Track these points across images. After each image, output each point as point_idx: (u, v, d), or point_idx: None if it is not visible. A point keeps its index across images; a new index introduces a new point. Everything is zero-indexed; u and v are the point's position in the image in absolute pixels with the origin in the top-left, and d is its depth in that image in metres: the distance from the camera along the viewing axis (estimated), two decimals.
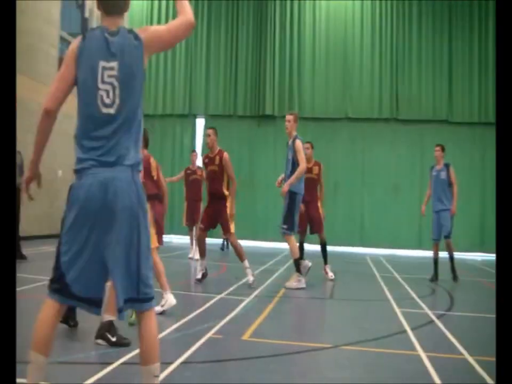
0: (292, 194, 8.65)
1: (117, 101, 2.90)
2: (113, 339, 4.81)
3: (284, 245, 17.99)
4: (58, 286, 2.92)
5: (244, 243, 18.67)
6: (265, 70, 19.08)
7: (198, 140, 19.85)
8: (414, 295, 8.40)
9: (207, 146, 8.92)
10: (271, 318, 6.43)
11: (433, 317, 6.72)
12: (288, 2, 19.14)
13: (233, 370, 4.37)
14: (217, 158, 8.68)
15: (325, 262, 9.90)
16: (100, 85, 2.90)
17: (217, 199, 8.71)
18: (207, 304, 6.99)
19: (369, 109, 18.57)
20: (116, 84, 2.90)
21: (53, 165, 15.01)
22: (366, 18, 18.87)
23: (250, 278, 8.43)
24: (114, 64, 2.90)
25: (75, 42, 2.98)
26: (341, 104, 18.70)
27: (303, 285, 8.48)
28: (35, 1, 15.53)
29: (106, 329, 4.92)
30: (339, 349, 5.18)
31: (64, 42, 17.99)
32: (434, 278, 10.14)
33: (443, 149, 10.42)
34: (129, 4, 3.15)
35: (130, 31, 2.97)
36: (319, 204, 10.05)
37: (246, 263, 8.52)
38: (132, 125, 2.94)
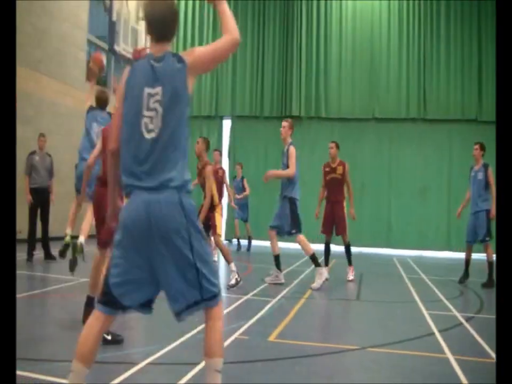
0: (291, 200, 8.88)
1: (160, 125, 2.94)
2: (108, 337, 4.85)
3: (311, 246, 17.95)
4: (107, 299, 3.01)
5: (269, 244, 18.70)
6: (291, 70, 19.05)
7: (224, 141, 19.90)
8: (442, 297, 8.30)
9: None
10: (297, 319, 6.42)
11: (462, 320, 6.63)
12: (315, 3, 19.08)
13: (259, 371, 4.36)
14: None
15: (349, 264, 9.86)
16: (145, 112, 2.96)
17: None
18: (234, 305, 7.01)
19: (396, 109, 18.41)
20: (159, 109, 2.94)
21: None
22: (393, 18, 18.71)
23: (232, 281, 8.34)
24: (158, 89, 2.95)
25: (124, 75, 3.12)
26: (368, 104, 18.57)
27: (326, 275, 8.74)
28: (64, 6, 15.77)
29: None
30: (365, 350, 5.14)
31: (92, 45, 18.21)
32: (463, 279, 9.96)
33: (482, 148, 10.01)
34: (176, 28, 3.20)
35: (175, 55, 3.01)
36: (344, 205, 10.00)
37: (233, 266, 8.43)
38: (175, 147, 2.96)
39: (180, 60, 2.98)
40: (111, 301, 2.99)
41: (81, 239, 7.21)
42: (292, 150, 9.02)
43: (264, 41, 19.43)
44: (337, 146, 10.20)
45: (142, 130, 2.95)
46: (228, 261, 8.51)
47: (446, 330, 6.02)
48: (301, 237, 8.85)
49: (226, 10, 3.13)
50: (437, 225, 18.01)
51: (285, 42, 19.24)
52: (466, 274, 9.97)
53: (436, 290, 8.99)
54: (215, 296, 3.04)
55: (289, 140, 9.23)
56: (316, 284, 8.57)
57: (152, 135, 2.94)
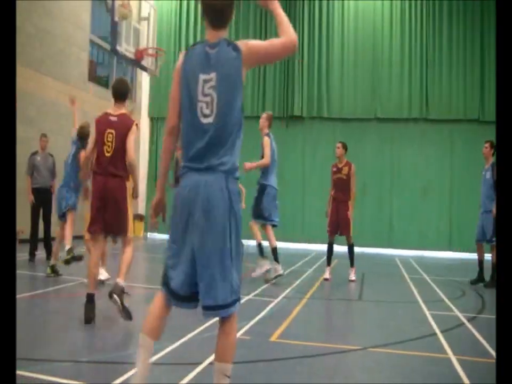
0: (261, 186, 9.18)
1: (215, 110, 3.01)
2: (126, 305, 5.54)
3: (312, 246, 17.97)
4: (163, 277, 3.17)
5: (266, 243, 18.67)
6: (293, 70, 19.04)
7: None
8: (443, 297, 8.30)
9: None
10: (299, 320, 6.42)
11: (464, 320, 6.62)
12: (317, 3, 19.07)
13: (261, 372, 4.37)
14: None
15: (351, 265, 9.89)
16: (200, 97, 3.03)
17: None
18: None
19: (398, 109, 18.40)
20: (214, 94, 3.01)
21: None
22: (395, 18, 18.69)
23: None
24: (213, 75, 3.01)
25: (179, 60, 3.15)
26: (370, 104, 18.56)
27: (268, 266, 9.13)
28: (66, 6, 15.79)
29: (121, 292, 5.62)
30: (367, 351, 5.15)
31: (94, 45, 18.24)
32: (475, 280, 9.80)
33: (492, 146, 9.82)
34: (233, 16, 3.26)
35: (230, 43, 3.07)
36: (349, 205, 10.02)
37: None
38: (229, 132, 3.07)
39: (235, 48, 3.04)
40: (165, 282, 3.15)
41: (67, 247, 8.34)
42: (266, 140, 9.25)
43: None
44: (344, 147, 10.18)
45: (198, 114, 3.03)
46: None
47: (448, 331, 6.01)
48: (252, 223, 9.21)
49: (281, 13, 3.35)
50: (439, 225, 18.01)
51: None
52: (480, 276, 9.77)
53: (438, 291, 8.99)
54: (233, 304, 3.17)
55: (266, 131, 9.47)
56: (255, 273, 9.05)
57: (208, 120, 3.02)
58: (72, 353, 4.67)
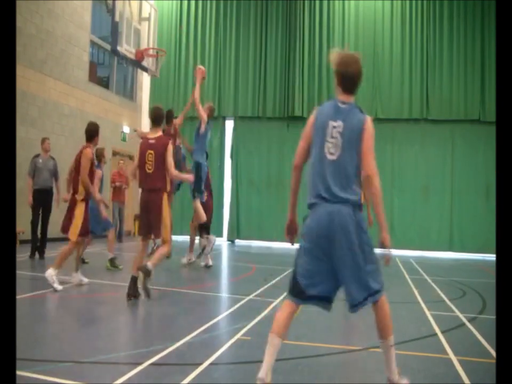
0: (196, 164, 10.24)
1: (339, 150, 3.70)
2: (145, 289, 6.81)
3: None
4: (296, 291, 3.79)
5: (273, 244, 18.74)
6: (294, 71, 19.04)
7: (227, 141, 19.90)
8: (444, 298, 8.30)
9: None
10: (300, 320, 6.40)
11: (465, 320, 6.62)
12: (318, 3, 19.08)
13: None
14: None
15: None
16: (329, 139, 3.73)
17: None
18: (236, 306, 7.01)
19: (399, 109, 18.40)
20: (339, 138, 3.71)
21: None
22: (395, 18, 18.70)
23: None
24: (340, 123, 3.73)
25: (313, 112, 3.89)
26: (371, 104, 18.53)
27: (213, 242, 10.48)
28: (67, 7, 15.80)
29: (147, 272, 6.75)
30: (368, 351, 5.15)
31: (95, 46, 18.24)
32: None
33: None
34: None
35: (358, 107, 3.86)
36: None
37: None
38: (351, 169, 3.71)
39: (361, 111, 3.84)
40: (299, 292, 3.77)
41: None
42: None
43: (267, 42, 19.41)
44: None
45: (325, 153, 3.72)
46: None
47: (449, 331, 6.01)
48: (198, 202, 10.09)
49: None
50: (440, 226, 18.00)
51: (287, 43, 19.23)
52: None
53: (439, 291, 8.99)
54: (378, 291, 3.80)
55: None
56: (206, 250, 10.43)
57: (333, 157, 3.70)
58: (72, 354, 4.67)
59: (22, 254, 10.92)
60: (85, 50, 16.95)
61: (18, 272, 7.71)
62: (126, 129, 18.99)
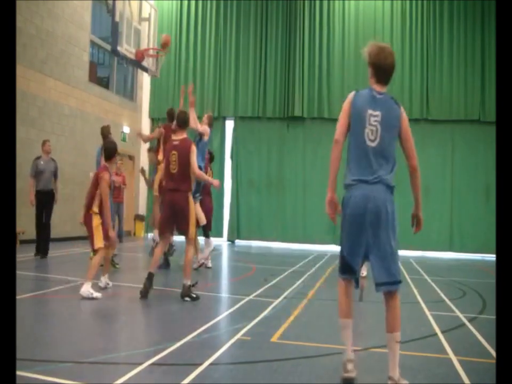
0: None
1: (378, 138, 4.01)
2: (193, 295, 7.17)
3: (314, 247, 17.98)
4: (345, 268, 4.08)
5: (273, 244, 18.74)
6: (294, 71, 19.04)
7: (227, 141, 19.90)
8: (444, 298, 8.30)
9: None
10: (300, 320, 6.42)
11: (465, 320, 6.62)
12: (318, 3, 19.08)
13: (262, 372, 4.36)
14: None
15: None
16: (367, 126, 4.02)
17: None
18: (236, 306, 7.01)
19: None
20: (378, 126, 4.02)
21: (84, 167, 15.22)
22: (395, 18, 18.70)
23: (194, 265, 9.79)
24: (378, 113, 4.03)
25: (350, 97, 4.14)
26: None
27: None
28: (67, 7, 15.80)
29: (188, 290, 7.17)
30: (369, 351, 5.15)
31: (95, 46, 18.24)
32: None
33: None
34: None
35: (392, 98, 4.15)
36: None
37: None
38: (388, 155, 4.05)
39: (396, 103, 4.13)
40: (347, 269, 4.07)
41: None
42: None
43: (267, 42, 19.41)
44: None
45: (365, 139, 4.02)
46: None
47: (449, 331, 6.01)
48: (196, 206, 9.73)
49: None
50: (440, 226, 17.98)
51: (287, 43, 19.23)
52: None
53: (439, 291, 8.99)
54: (398, 282, 4.02)
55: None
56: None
57: (372, 144, 4.01)
58: (72, 354, 4.67)
59: (23, 254, 10.93)
60: (85, 50, 16.95)
61: (18, 272, 7.71)
62: (126, 129, 18.99)
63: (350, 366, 4.01)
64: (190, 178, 7.47)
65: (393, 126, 4.07)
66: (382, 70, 4.11)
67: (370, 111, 4.03)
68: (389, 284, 4.01)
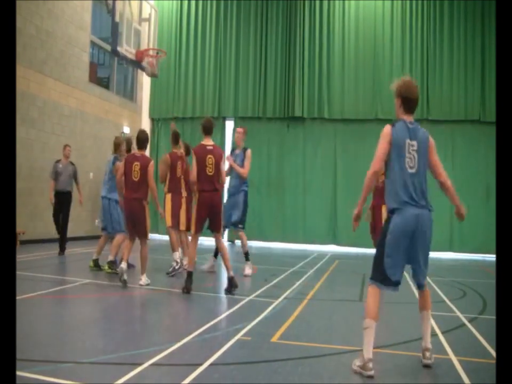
0: (245, 193, 10.04)
1: (416, 165, 4.58)
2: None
3: (314, 247, 17.97)
4: (382, 278, 4.55)
5: (273, 245, 18.74)
6: (294, 71, 19.03)
7: (227, 142, 19.89)
8: (444, 298, 8.30)
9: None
10: (300, 320, 6.42)
11: (465, 320, 6.63)
12: (318, 3, 19.07)
13: (262, 373, 4.36)
14: None
15: None
16: (407, 154, 4.59)
17: None
18: (236, 306, 7.01)
19: None
20: (415, 154, 4.59)
21: (84, 167, 15.22)
22: (396, 18, 18.68)
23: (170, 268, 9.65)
24: (414, 143, 4.61)
25: (388, 130, 4.71)
26: (371, 105, 18.55)
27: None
28: (67, 7, 15.80)
29: (232, 284, 7.80)
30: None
31: (95, 47, 18.24)
32: None
33: None
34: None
35: (418, 125, 4.75)
36: (382, 210, 10.46)
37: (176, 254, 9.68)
38: (424, 180, 4.63)
39: (426, 133, 4.72)
40: (384, 279, 4.53)
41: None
42: (249, 152, 10.08)
43: (267, 42, 19.40)
44: None
45: (406, 166, 4.57)
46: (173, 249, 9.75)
47: (449, 331, 6.02)
48: (242, 233, 10.01)
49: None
50: (440, 226, 17.92)
51: (287, 43, 19.22)
52: None
53: (439, 291, 8.98)
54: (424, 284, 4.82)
55: (243, 144, 10.31)
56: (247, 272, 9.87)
57: (412, 170, 4.58)
58: (72, 354, 4.67)
59: (24, 255, 10.93)
60: (85, 50, 16.95)
61: (18, 272, 7.71)
62: (126, 129, 18.99)
63: (371, 365, 4.36)
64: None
65: (426, 153, 4.67)
66: (411, 102, 4.72)
67: (408, 141, 4.60)
68: (423, 285, 4.81)
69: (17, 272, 7.20)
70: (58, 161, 12.37)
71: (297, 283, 9.23)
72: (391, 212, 4.62)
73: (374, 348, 5.19)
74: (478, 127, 17.98)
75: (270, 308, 6.89)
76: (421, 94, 18.27)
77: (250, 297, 7.67)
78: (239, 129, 10.46)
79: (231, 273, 7.90)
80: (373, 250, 15.35)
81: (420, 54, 18.45)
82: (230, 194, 10.12)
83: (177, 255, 9.60)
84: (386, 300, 8.24)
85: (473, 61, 18.14)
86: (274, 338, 5.38)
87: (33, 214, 14.22)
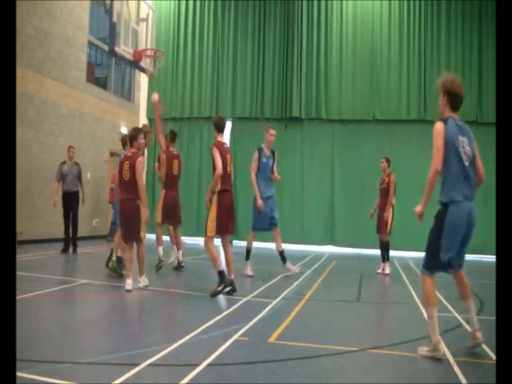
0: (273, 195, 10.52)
1: (468, 159, 4.92)
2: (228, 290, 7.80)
3: (312, 248, 17.98)
4: (436, 265, 5.07)
5: (271, 245, 18.72)
6: (292, 71, 19.03)
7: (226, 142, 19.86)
8: (442, 298, 8.30)
9: None
10: (298, 321, 6.42)
11: (462, 321, 6.63)
12: (315, 3, 19.08)
13: (260, 373, 4.36)
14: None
15: (382, 260, 11.52)
16: (461, 150, 4.92)
17: None
18: (234, 307, 7.01)
19: (396, 110, 18.40)
20: (468, 148, 4.94)
21: (82, 167, 15.19)
22: (393, 18, 18.71)
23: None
24: (465, 139, 4.99)
25: (440, 127, 4.97)
26: (368, 105, 18.57)
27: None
28: (65, 7, 15.79)
29: (232, 289, 7.78)
30: (366, 352, 5.15)
31: (93, 47, 18.23)
32: None
33: None
34: None
35: (466, 124, 5.12)
36: (386, 209, 11.32)
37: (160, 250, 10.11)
38: (474, 173, 4.98)
39: (470, 129, 5.05)
40: (438, 265, 5.06)
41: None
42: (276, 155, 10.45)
43: (265, 42, 19.40)
44: (387, 161, 11.64)
45: (463, 161, 4.91)
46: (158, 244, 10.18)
47: (447, 332, 6.02)
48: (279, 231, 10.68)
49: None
50: None
51: (285, 44, 19.22)
52: None
53: (437, 292, 8.97)
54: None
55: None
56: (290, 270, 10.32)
57: (467, 163, 4.91)
58: (70, 355, 4.67)
59: (22, 254, 10.92)
60: (83, 51, 16.95)
61: (18, 272, 7.71)
62: (124, 129, 18.99)
63: (441, 347, 4.84)
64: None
65: (474, 148, 5.01)
66: (457, 99, 5.07)
67: (460, 137, 4.94)
68: (462, 268, 5.26)
69: (17, 272, 7.18)
70: (63, 163, 12.70)
71: (295, 283, 9.24)
72: (446, 204, 4.98)
73: (373, 348, 5.22)
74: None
75: (267, 308, 6.89)
76: (418, 95, 18.33)
77: (248, 297, 7.67)
78: (274, 131, 10.47)
79: (232, 276, 7.92)
80: (370, 251, 15.57)
81: (417, 55, 18.48)
82: (270, 196, 10.49)
83: (161, 250, 10.12)
84: (385, 300, 8.27)
85: (471, 62, 18.17)
86: (272, 339, 5.38)
87: (31, 214, 14.21)
